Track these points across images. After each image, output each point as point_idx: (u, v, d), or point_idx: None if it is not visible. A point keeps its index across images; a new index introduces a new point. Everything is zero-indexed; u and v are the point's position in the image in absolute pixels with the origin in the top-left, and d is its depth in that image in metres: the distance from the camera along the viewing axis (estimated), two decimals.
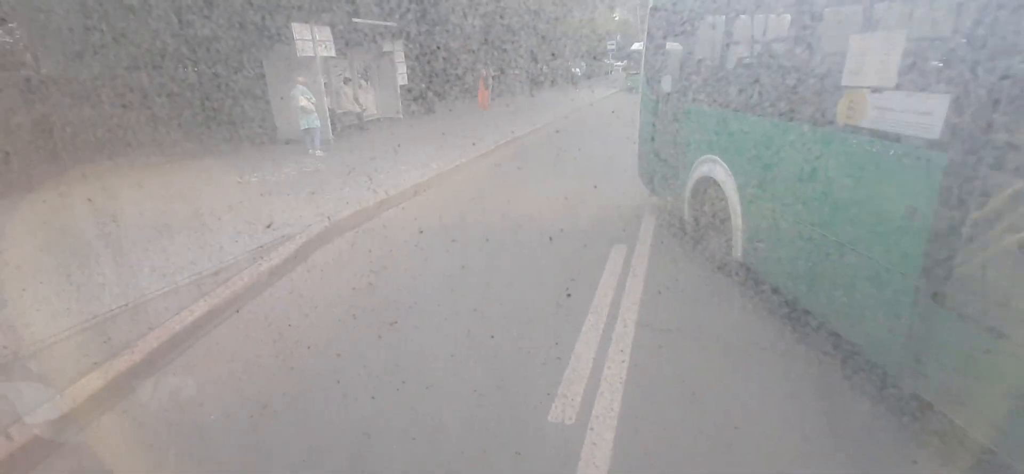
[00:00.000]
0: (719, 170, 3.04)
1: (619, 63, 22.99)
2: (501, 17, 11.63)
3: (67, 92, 6.05)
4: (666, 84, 3.86)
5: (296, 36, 6.83)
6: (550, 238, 3.87)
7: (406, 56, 10.17)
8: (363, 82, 9.96)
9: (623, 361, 2.29)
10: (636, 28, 27.98)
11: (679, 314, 2.75)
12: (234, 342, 2.66)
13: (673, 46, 3.82)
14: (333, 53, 7.69)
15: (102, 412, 2.10)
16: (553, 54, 17.56)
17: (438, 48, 10.28)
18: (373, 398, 2.13)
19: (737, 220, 2.85)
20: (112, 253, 3.70)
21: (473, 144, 7.40)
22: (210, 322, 2.80)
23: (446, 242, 4.02)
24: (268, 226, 4.06)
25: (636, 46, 17.86)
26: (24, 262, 3.51)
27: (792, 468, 1.71)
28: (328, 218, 4.26)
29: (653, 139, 4.26)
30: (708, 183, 3.20)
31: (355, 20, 8.03)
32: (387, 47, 9.75)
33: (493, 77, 13.56)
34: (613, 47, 24.74)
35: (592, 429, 1.88)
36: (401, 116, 10.54)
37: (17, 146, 5.50)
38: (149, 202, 4.93)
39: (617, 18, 28.97)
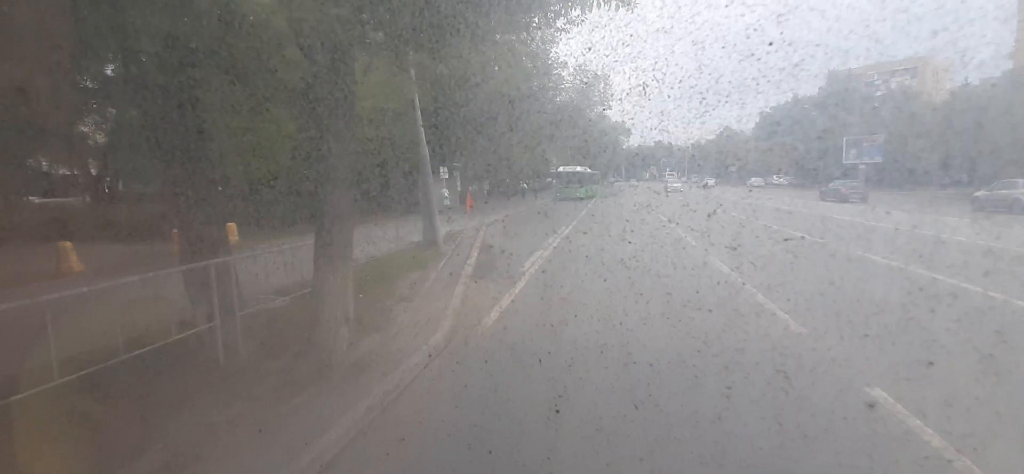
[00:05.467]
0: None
1: (553, 181, 38.35)
2: (500, 159, 26.16)
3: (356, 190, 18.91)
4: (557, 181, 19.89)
5: (441, 169, 20.27)
6: (546, 213, 17.43)
7: (461, 175, 24.04)
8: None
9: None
10: (568, 155, 44.83)
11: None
12: (487, 235, 15.81)
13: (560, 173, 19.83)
14: (446, 177, 21.17)
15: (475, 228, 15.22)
16: (516, 176, 32.21)
17: (477, 170, 24.36)
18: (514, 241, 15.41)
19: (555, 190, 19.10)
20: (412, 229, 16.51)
21: (493, 213, 21.05)
22: (472, 239, 15.91)
23: (511, 225, 17.43)
24: (473, 222, 17.42)
25: (562, 168, 33.29)
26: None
27: None
28: (481, 226, 17.56)
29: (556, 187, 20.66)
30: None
31: (454, 165, 21.85)
32: (453, 173, 23.55)
33: (480, 190, 27.86)
34: (553, 171, 40.63)
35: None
36: (456, 205, 24.09)
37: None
38: (397, 226, 17.76)
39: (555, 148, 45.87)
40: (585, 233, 14.83)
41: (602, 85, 30.49)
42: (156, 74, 3.66)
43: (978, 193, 18.29)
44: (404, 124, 11.26)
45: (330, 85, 4.15)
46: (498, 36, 5.97)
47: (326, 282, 4.45)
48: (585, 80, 28.28)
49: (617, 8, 5.45)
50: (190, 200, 4.38)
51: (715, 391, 4.02)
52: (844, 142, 36.24)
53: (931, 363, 4.32)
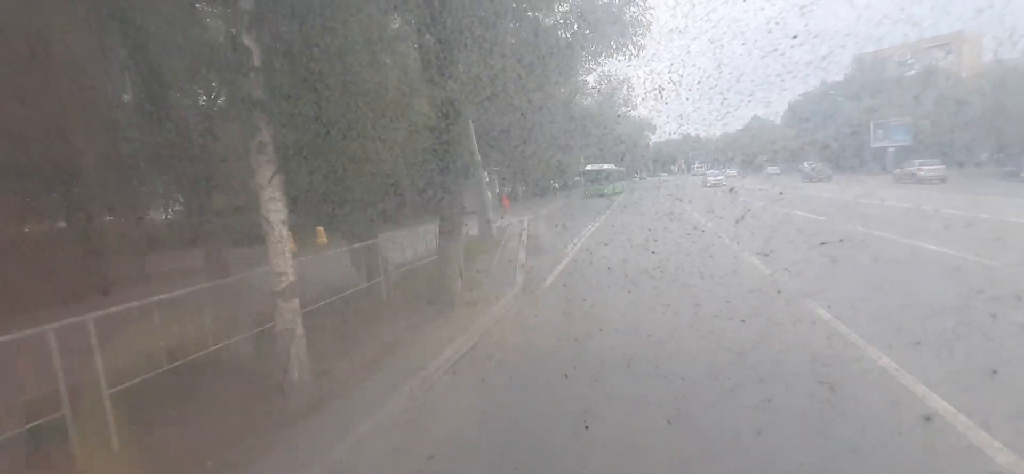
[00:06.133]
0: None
1: (580, 179, 40.61)
2: (527, 162, 28.72)
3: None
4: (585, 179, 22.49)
5: (484, 174, 22.87)
6: (563, 226, 19.80)
7: (497, 178, 26.63)
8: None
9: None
10: (595, 154, 47.03)
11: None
12: (531, 229, 18.30)
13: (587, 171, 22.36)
14: (487, 180, 23.77)
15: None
16: (545, 176, 34.66)
17: (512, 174, 26.90)
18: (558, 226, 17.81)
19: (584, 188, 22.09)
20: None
21: (528, 212, 23.50)
22: (519, 232, 18.39)
23: (548, 220, 19.87)
24: (513, 219, 19.98)
25: (588, 167, 35.69)
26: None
27: None
28: (523, 220, 20.07)
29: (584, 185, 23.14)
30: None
31: (493, 169, 24.48)
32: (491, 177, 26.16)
33: (513, 190, 30.47)
34: (581, 169, 42.85)
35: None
36: (494, 205, 26.67)
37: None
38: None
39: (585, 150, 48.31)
40: (606, 244, 16.62)
41: (625, 88, 32.60)
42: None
43: (896, 170, 24.63)
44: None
45: (447, 125, 6.68)
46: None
47: (448, 250, 7.00)
48: (609, 83, 30.55)
49: (631, 57, 7.73)
50: (354, 208, 6.94)
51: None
52: (871, 126, 36.61)
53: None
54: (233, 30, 3.88)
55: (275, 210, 4.10)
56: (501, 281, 8.44)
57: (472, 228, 15.28)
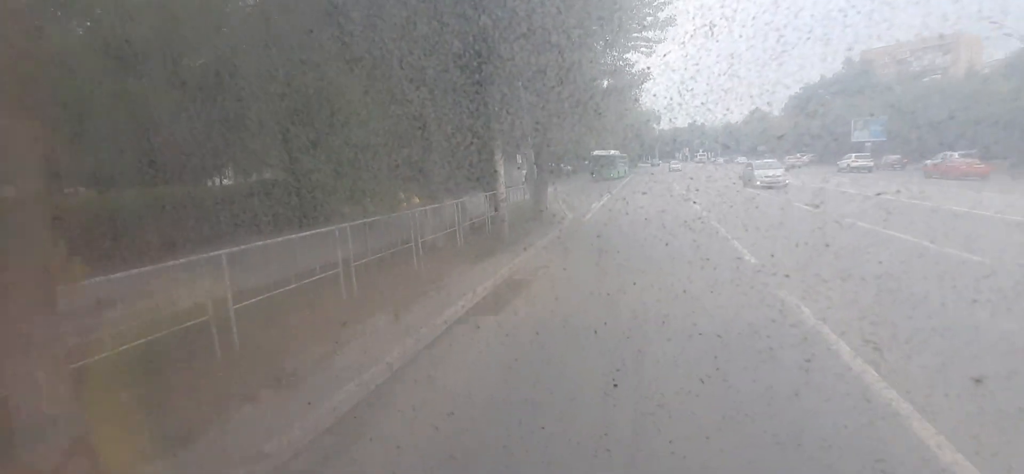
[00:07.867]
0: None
1: (589, 163, 47.70)
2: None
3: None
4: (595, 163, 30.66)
5: (520, 154, 30.00)
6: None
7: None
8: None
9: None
10: (608, 141, 54.04)
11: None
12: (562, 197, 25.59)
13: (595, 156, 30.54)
14: (520, 162, 30.96)
15: None
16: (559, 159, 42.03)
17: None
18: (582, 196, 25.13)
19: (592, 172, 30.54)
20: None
21: (555, 187, 31.00)
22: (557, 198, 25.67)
23: (573, 193, 27.29)
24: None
25: (596, 152, 42.86)
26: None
27: None
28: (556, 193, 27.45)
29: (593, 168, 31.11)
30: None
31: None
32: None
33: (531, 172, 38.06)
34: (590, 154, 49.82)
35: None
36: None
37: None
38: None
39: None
40: (613, 210, 23.82)
41: (640, 83, 39.03)
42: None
43: (839, 162, 30.04)
44: None
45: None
46: None
47: (540, 194, 14.45)
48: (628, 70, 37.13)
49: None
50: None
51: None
52: (852, 122, 41.98)
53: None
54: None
55: (502, 171, 11.43)
56: (561, 216, 15.93)
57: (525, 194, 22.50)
